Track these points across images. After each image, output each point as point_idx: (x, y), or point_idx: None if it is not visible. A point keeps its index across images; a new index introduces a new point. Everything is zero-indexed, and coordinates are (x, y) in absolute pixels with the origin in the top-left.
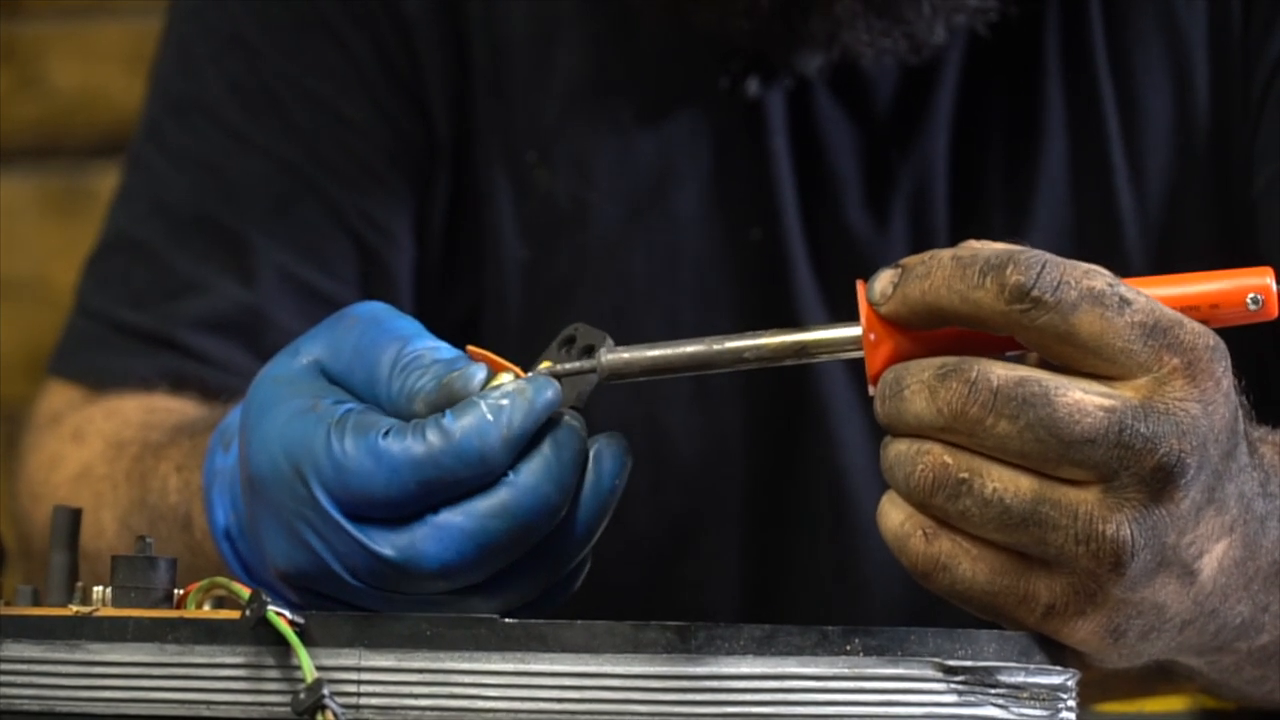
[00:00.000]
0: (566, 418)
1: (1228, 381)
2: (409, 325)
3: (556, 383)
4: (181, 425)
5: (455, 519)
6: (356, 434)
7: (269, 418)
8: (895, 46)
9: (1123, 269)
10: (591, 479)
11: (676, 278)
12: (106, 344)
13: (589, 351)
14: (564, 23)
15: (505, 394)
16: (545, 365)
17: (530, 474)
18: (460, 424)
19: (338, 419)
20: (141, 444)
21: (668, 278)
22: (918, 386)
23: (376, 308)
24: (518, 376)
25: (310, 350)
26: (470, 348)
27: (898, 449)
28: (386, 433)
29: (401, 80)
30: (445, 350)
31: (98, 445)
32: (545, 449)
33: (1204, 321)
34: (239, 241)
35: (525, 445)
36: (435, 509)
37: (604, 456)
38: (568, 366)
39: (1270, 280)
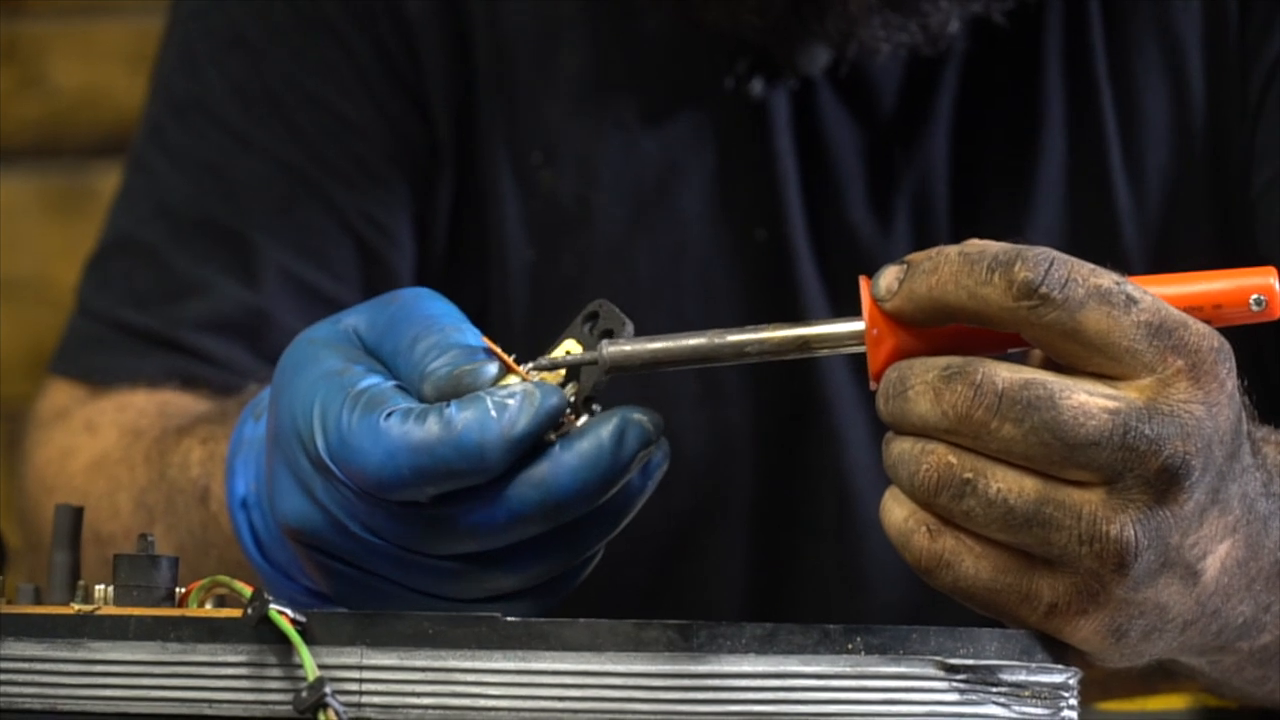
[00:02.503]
0: (645, 419)
1: (1232, 383)
2: (444, 308)
3: (563, 390)
4: (206, 411)
5: None
6: (365, 410)
7: (300, 376)
8: (911, 40)
9: (1121, 268)
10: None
11: (681, 277)
12: (109, 344)
13: (607, 334)
14: (567, 23)
15: (512, 394)
16: (566, 344)
17: (577, 456)
18: (462, 416)
19: (357, 390)
20: (161, 429)
21: (673, 277)
22: (922, 388)
23: (421, 290)
24: (524, 379)
25: (350, 319)
26: (488, 340)
27: (901, 447)
28: (390, 414)
29: (403, 81)
30: (470, 336)
31: (112, 434)
32: (604, 437)
33: (1207, 321)
34: (241, 242)
35: (583, 425)
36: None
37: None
38: (569, 358)
39: (1273, 280)
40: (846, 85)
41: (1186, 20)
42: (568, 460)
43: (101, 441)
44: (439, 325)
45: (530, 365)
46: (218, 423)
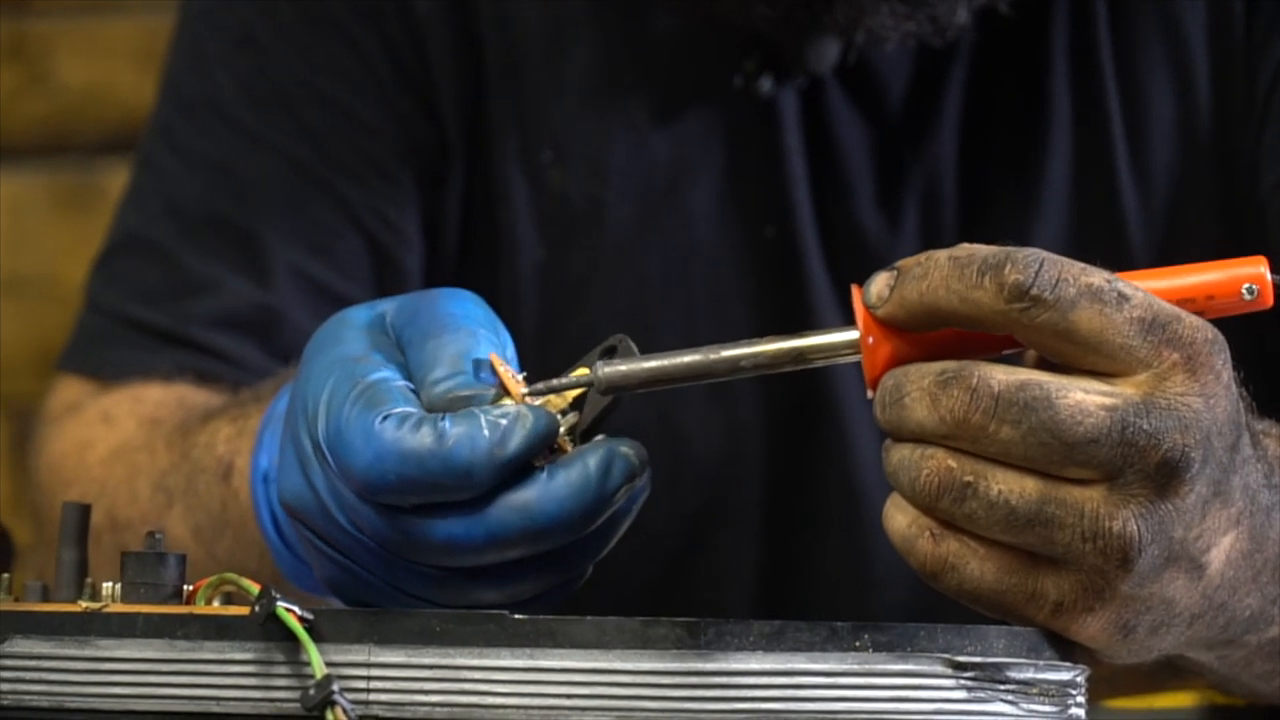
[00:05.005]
0: (631, 452)
1: (1228, 374)
2: (468, 310)
3: (557, 416)
4: (239, 395)
5: None
6: (364, 407)
7: (321, 355)
8: (919, 30)
9: (1127, 266)
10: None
11: (691, 276)
12: (119, 340)
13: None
14: (577, 21)
15: (506, 414)
16: (577, 374)
17: (564, 485)
18: (454, 431)
19: (366, 383)
20: (183, 417)
21: (683, 276)
22: (918, 394)
23: (459, 289)
24: (518, 403)
25: (385, 305)
26: (493, 356)
27: (901, 454)
28: (386, 417)
29: (412, 80)
30: (483, 345)
31: (130, 424)
32: (591, 468)
33: (1200, 313)
34: (251, 240)
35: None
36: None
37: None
38: (563, 381)
39: (1264, 269)
40: (855, 84)
41: (1192, 18)
42: (553, 489)
43: (119, 432)
44: (453, 329)
45: (526, 390)
46: (250, 402)
